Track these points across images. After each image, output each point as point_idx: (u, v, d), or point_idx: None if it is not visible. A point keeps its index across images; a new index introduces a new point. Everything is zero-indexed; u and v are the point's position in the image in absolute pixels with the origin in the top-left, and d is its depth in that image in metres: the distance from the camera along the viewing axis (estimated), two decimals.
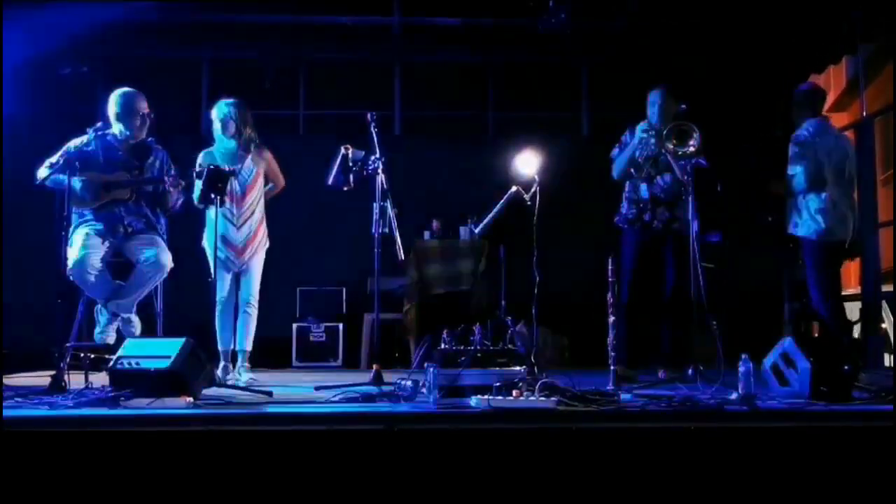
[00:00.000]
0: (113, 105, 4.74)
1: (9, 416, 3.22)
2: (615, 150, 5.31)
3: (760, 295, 6.92)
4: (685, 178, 4.85)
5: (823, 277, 5.19)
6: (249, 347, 5.05)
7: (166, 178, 4.66)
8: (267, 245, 5.12)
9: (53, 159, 4.57)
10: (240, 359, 5.01)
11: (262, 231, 5.09)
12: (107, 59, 7.15)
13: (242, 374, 4.93)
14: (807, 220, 5.16)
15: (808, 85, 5.56)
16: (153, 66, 7.08)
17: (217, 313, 4.94)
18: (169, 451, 3.02)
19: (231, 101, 5.02)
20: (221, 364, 4.97)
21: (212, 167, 4.42)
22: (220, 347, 4.99)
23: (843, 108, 7.85)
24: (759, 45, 7.02)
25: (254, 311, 5.06)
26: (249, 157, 5.01)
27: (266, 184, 5.16)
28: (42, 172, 4.55)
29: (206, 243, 4.95)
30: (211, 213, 4.89)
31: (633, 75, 6.87)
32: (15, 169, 5.39)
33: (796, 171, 5.15)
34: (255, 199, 5.04)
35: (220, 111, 5.00)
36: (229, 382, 4.60)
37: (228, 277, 5.00)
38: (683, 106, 4.96)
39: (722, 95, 7.11)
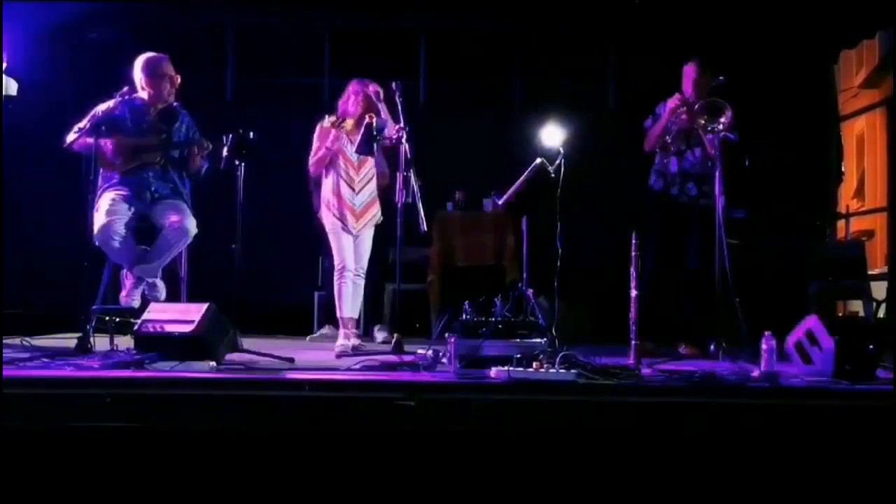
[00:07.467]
0: (139, 69, 4.73)
1: (36, 377, 3.30)
2: (648, 121, 5.24)
3: (785, 272, 6.85)
4: (713, 152, 4.80)
5: None
6: (357, 315, 5.03)
7: (206, 143, 4.64)
8: (380, 220, 5.09)
9: (81, 124, 4.57)
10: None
11: (377, 205, 5.08)
12: (132, 25, 7.13)
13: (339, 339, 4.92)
14: None
15: None
16: (178, 32, 7.04)
17: (336, 280, 4.92)
18: (191, 413, 3.07)
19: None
20: (349, 332, 4.92)
21: (236, 134, 4.40)
22: (344, 315, 4.92)
23: (875, 84, 7.69)
24: (793, 19, 6.87)
25: (361, 281, 5.03)
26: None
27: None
28: (70, 136, 4.56)
29: (324, 212, 4.98)
30: (327, 183, 4.94)
31: (661, 48, 6.76)
32: (42, 133, 5.42)
33: None
34: (371, 170, 5.03)
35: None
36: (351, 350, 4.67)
37: (347, 243, 4.96)
38: (721, 78, 4.87)
39: (754, 69, 6.98)
